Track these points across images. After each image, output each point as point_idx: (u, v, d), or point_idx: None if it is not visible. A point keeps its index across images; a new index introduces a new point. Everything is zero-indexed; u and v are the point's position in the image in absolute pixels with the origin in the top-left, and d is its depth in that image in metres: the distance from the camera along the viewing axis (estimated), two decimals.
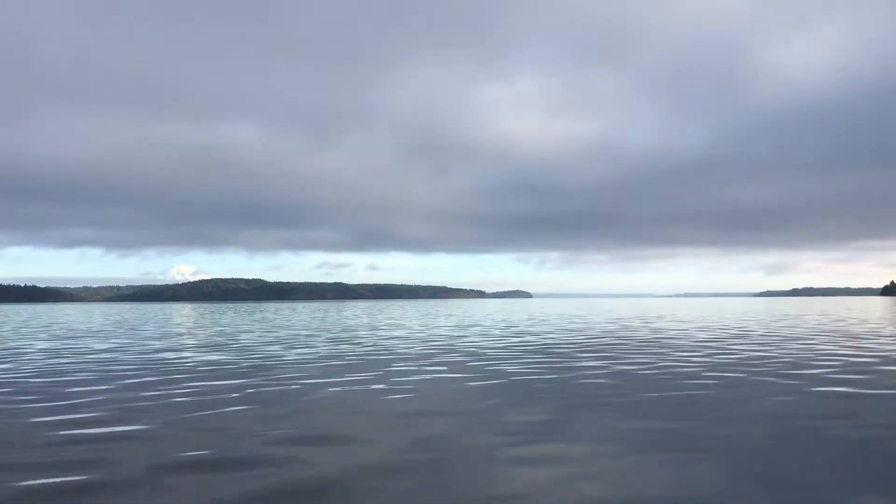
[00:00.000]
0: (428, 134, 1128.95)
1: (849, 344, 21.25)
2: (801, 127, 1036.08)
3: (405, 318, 48.76)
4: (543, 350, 19.77)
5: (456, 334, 27.97)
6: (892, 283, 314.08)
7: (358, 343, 23.27)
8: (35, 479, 6.30)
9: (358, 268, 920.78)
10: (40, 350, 21.62)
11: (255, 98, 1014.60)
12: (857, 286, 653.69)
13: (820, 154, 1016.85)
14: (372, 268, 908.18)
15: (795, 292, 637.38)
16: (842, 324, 35.12)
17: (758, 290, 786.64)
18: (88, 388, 12.31)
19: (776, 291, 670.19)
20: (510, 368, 15.05)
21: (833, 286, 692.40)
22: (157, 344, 23.87)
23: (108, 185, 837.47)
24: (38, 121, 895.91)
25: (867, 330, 28.87)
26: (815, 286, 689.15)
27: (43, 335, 30.28)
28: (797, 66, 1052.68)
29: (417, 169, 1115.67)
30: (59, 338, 28.05)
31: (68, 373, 14.98)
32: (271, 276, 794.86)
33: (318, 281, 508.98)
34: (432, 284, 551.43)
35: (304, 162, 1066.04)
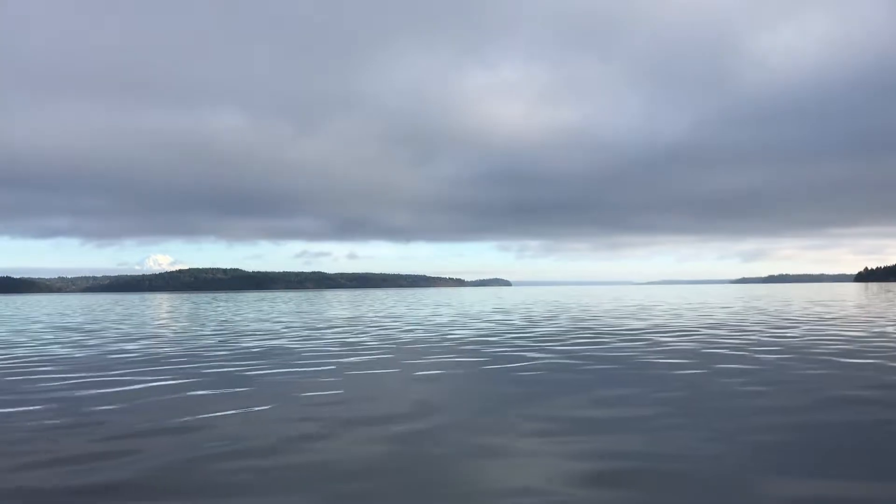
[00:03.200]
0: (411, 122, 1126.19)
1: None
2: (783, 115, 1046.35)
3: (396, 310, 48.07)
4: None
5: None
6: (866, 269, 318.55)
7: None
8: None
9: (338, 257, 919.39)
10: None
11: (236, 86, 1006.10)
12: (832, 272, 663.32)
13: (798, 142, 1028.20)
14: (352, 256, 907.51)
15: (771, 279, 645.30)
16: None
17: (735, 277, 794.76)
18: None
19: (752, 278, 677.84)
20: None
21: (808, 273, 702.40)
22: None
23: (86, 174, 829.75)
24: (16, 109, 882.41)
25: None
26: (791, 273, 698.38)
27: None
28: (782, 55, 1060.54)
29: (400, 157, 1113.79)
30: None
31: None
32: (250, 266, 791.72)
33: (297, 270, 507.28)
34: (412, 273, 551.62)
35: (286, 150, 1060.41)
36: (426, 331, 21.81)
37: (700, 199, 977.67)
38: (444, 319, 28.62)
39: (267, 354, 14.93)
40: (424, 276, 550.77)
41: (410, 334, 20.34)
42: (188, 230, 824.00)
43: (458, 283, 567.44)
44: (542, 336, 18.95)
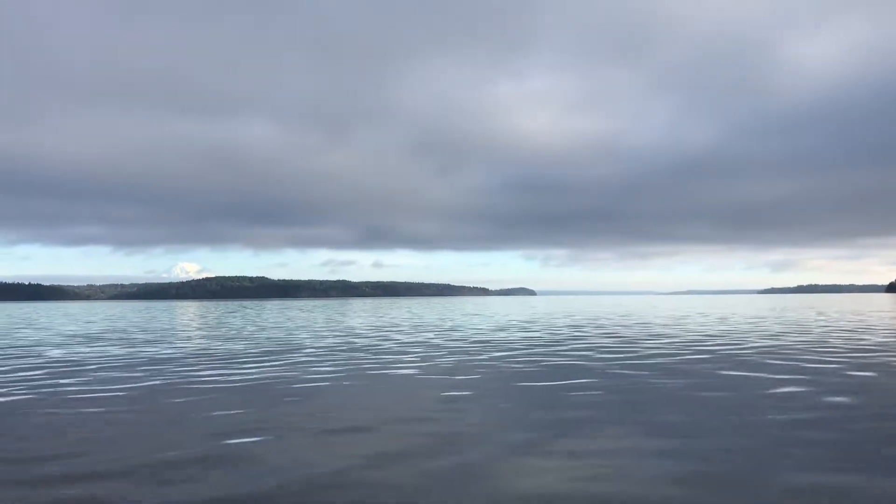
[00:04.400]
0: (439, 131, 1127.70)
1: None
2: (812, 124, 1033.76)
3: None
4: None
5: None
6: None
7: None
8: None
9: (363, 265, 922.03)
10: None
11: (267, 96, 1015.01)
12: (861, 283, 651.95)
13: (827, 151, 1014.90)
14: (377, 265, 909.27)
15: (800, 289, 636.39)
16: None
17: (762, 288, 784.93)
18: None
19: (780, 288, 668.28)
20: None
21: (838, 283, 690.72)
22: None
23: (118, 183, 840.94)
24: (50, 119, 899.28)
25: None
26: (820, 283, 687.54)
27: None
28: (812, 63, 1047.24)
29: (427, 166, 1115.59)
30: None
31: None
32: (276, 274, 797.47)
33: (322, 278, 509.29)
34: (436, 282, 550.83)
35: (315, 159, 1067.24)
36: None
37: (727, 209, 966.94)
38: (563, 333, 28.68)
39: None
40: (449, 285, 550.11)
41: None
42: (216, 238, 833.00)
43: (483, 292, 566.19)
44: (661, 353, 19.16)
